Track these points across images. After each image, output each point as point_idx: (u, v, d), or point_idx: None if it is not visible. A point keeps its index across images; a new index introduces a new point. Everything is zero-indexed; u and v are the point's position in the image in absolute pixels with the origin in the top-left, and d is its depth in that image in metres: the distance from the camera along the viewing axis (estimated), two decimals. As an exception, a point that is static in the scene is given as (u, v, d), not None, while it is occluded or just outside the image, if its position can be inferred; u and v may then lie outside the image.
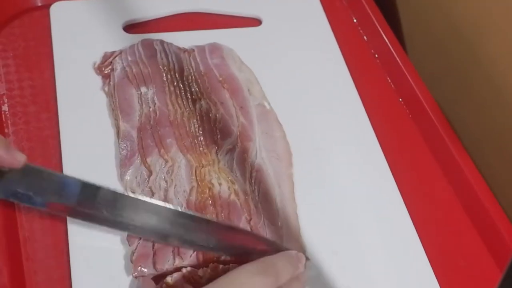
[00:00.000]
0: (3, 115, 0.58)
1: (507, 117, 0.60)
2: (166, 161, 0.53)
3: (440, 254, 0.52)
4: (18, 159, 0.47)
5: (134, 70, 0.59)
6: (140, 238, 0.49)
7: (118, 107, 0.57)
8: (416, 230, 0.53)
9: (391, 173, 0.57)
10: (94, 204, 0.48)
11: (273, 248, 0.48)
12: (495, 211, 0.53)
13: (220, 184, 0.51)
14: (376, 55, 0.68)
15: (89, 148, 0.55)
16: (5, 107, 0.58)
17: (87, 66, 0.61)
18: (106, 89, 0.59)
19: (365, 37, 0.70)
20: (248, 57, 0.64)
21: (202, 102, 0.58)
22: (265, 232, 0.49)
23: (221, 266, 0.47)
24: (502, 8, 0.60)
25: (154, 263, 0.47)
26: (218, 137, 0.55)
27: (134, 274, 0.47)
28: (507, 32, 0.59)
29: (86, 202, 0.48)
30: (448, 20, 0.67)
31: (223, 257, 0.48)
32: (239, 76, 0.61)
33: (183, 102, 0.58)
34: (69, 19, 0.66)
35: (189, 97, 0.58)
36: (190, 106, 0.58)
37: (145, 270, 0.47)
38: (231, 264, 0.47)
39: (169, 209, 0.48)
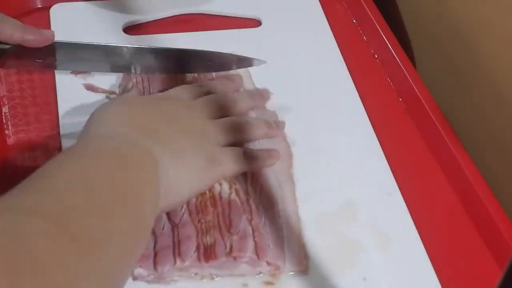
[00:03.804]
0: (3, 117, 0.58)
1: (507, 117, 0.60)
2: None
3: (441, 253, 0.51)
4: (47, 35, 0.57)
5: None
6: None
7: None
8: (417, 229, 0.53)
9: (391, 172, 0.57)
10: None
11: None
12: (495, 210, 0.53)
13: (220, 185, 0.51)
14: (376, 55, 0.68)
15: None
16: (5, 109, 0.58)
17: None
18: None
19: (364, 38, 0.70)
20: (248, 58, 0.64)
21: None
22: (266, 232, 0.50)
23: None
24: (502, 8, 0.60)
25: (155, 264, 0.47)
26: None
27: (134, 275, 0.47)
28: (507, 32, 0.59)
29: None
30: (448, 20, 0.68)
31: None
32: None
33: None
34: (69, 20, 0.66)
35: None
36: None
37: (145, 271, 0.47)
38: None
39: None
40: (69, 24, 0.66)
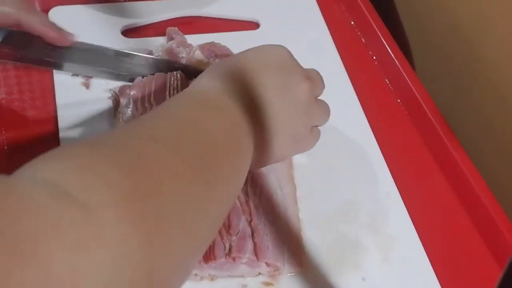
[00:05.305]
0: (2, 118, 0.58)
1: (506, 117, 0.60)
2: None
3: (440, 253, 0.52)
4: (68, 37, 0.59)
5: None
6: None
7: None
8: (416, 230, 0.53)
9: (391, 174, 0.57)
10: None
11: None
12: (495, 209, 0.53)
13: (220, 186, 0.51)
14: (374, 57, 0.69)
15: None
16: (4, 110, 0.58)
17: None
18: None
19: (363, 40, 0.70)
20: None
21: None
22: (265, 234, 0.49)
23: None
24: (501, 9, 0.60)
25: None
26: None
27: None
28: (506, 33, 0.59)
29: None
30: (446, 21, 0.68)
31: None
32: None
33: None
34: (68, 23, 0.66)
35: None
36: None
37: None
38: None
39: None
40: (68, 27, 0.65)
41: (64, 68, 0.61)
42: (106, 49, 0.62)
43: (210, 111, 0.45)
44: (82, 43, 0.61)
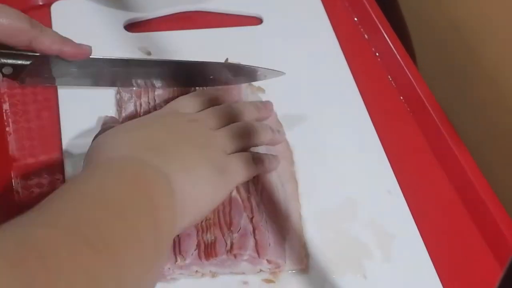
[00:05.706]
0: (4, 114, 0.58)
1: (508, 116, 0.60)
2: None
3: (441, 251, 0.52)
4: (85, 50, 0.56)
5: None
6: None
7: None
8: (418, 227, 0.52)
9: (392, 171, 0.57)
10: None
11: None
12: (496, 209, 0.53)
13: (222, 183, 0.51)
14: (377, 54, 0.68)
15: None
16: (6, 106, 0.59)
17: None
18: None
19: (366, 36, 0.70)
20: (249, 56, 0.64)
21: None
22: (267, 231, 0.49)
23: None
24: (504, 6, 0.60)
25: (155, 262, 0.47)
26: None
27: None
28: (508, 31, 0.59)
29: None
30: (449, 18, 0.67)
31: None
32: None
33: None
34: (70, 18, 0.66)
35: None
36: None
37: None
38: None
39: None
40: (70, 22, 0.66)
41: (82, 83, 0.59)
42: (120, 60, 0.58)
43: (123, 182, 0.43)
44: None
